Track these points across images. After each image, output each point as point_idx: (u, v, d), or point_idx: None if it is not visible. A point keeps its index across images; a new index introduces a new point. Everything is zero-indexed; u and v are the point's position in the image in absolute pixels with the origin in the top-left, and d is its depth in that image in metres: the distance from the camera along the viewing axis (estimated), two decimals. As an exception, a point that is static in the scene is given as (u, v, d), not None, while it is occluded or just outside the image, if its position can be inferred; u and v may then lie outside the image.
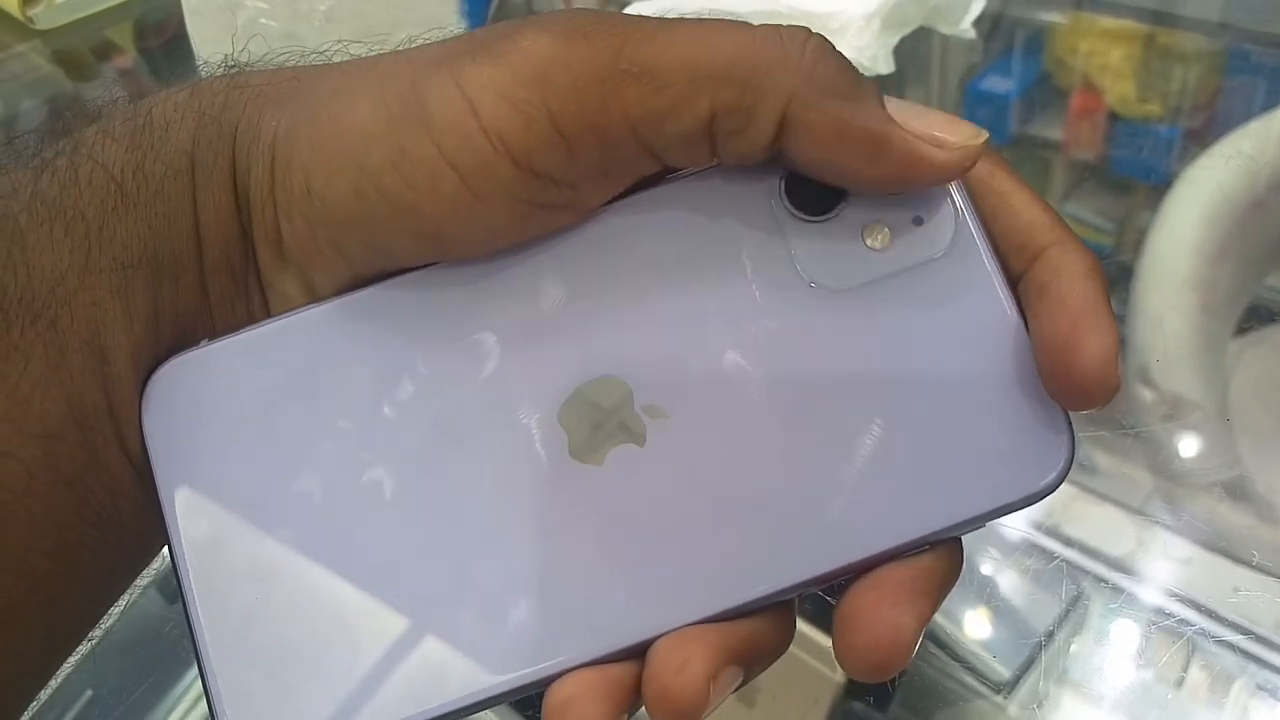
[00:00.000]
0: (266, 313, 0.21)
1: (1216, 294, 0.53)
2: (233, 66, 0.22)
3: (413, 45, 0.20)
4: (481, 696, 0.17)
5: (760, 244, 0.18)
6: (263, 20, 0.40)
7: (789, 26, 0.17)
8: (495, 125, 0.17)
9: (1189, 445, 0.50)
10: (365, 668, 0.18)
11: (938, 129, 0.17)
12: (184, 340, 0.20)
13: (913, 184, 0.18)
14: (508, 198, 0.18)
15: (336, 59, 0.21)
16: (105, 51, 0.62)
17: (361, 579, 0.18)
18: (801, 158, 0.18)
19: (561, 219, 0.19)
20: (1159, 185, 0.56)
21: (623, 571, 0.17)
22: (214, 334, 0.20)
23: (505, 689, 0.17)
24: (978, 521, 0.17)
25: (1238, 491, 0.49)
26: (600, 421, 0.18)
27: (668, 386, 0.18)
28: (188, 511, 0.19)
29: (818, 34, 0.17)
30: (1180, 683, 0.42)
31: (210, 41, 0.44)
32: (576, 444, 0.18)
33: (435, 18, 0.41)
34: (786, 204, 0.19)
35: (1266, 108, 0.57)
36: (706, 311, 0.18)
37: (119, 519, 0.19)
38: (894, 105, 0.17)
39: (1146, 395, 0.51)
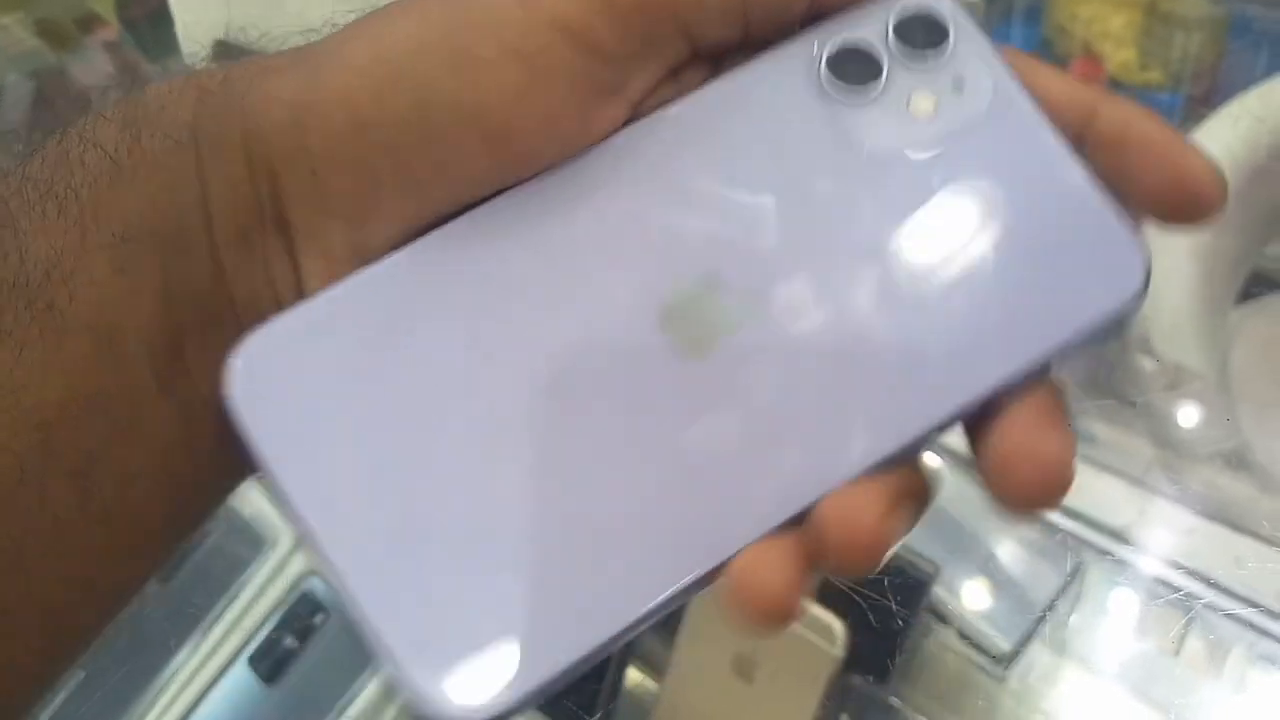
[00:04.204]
0: (294, 279, 0.20)
1: (1218, 263, 0.53)
2: (226, 55, 0.21)
3: None
4: (660, 599, 0.17)
5: (814, 124, 0.19)
6: (246, -13, 0.39)
7: None
8: (552, 8, 0.18)
9: (1190, 415, 0.49)
10: (517, 600, 0.17)
11: None
12: (202, 315, 0.19)
13: None
14: (567, 79, 0.18)
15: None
16: (88, 23, 0.61)
17: (498, 505, 0.18)
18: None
19: (611, 111, 0.19)
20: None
21: (770, 446, 0.18)
22: (234, 307, 0.19)
23: (682, 586, 0.17)
24: (1079, 341, 0.18)
25: (1238, 461, 0.48)
26: (702, 318, 0.19)
27: (757, 273, 0.19)
28: (302, 477, 0.18)
29: None
30: (1178, 653, 0.42)
31: (190, 8, 0.43)
32: (685, 343, 0.18)
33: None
34: (832, 81, 0.19)
35: (1269, 74, 0.56)
36: (776, 196, 0.19)
37: (129, 515, 0.18)
38: None
39: (1147, 365, 0.51)
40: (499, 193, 0.19)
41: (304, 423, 0.18)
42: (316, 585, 0.45)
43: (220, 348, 0.19)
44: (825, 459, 0.18)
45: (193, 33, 0.44)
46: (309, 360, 0.19)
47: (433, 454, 0.18)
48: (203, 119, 0.19)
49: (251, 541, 0.46)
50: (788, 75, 0.20)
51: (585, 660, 0.17)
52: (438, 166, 0.19)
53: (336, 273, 0.20)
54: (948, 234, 0.19)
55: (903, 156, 0.19)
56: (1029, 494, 0.17)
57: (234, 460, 0.20)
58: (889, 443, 0.18)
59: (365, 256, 0.20)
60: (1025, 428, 0.18)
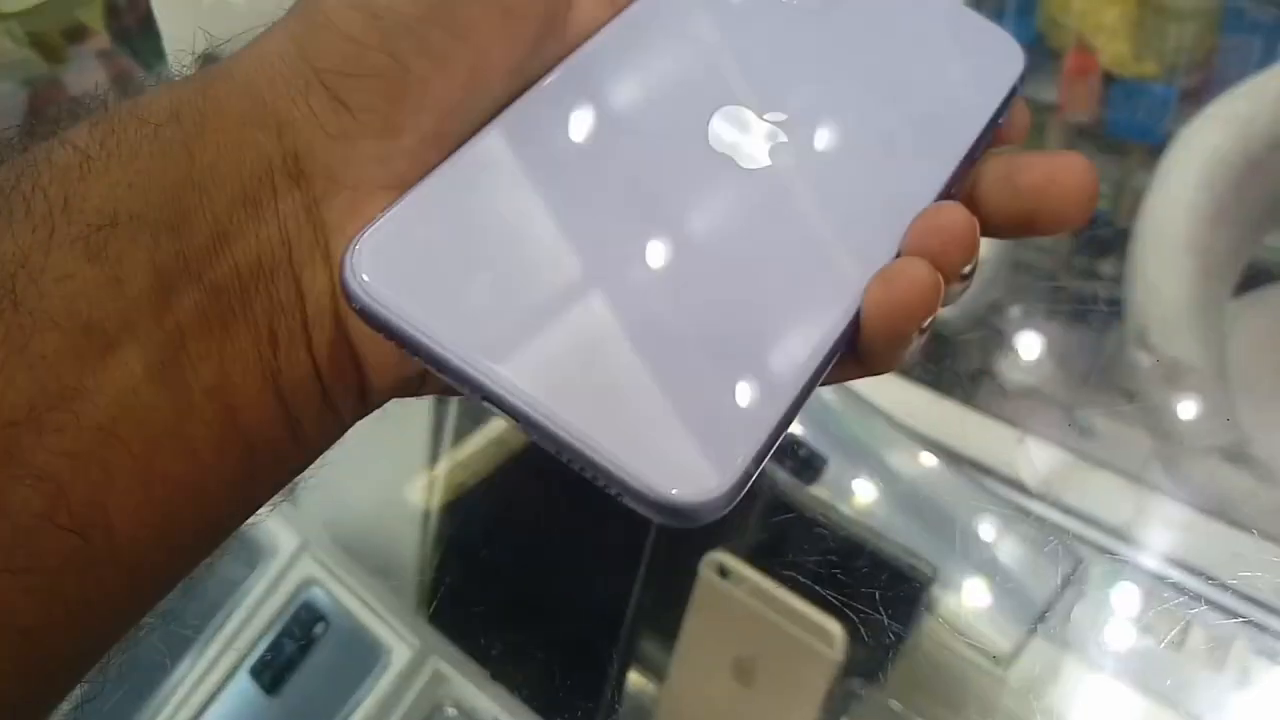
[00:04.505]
0: (312, 230, 0.19)
1: (1214, 257, 0.53)
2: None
3: None
4: (824, 352, 0.19)
5: None
6: (230, -1, 0.39)
7: None
8: None
9: (1188, 410, 0.49)
10: (709, 384, 0.19)
11: None
12: (203, 294, 0.18)
13: None
14: None
15: None
16: (78, 33, 0.61)
17: (659, 306, 0.19)
18: None
19: None
20: (1156, 146, 0.56)
21: (857, 198, 0.22)
22: (240, 277, 0.18)
23: (836, 334, 0.20)
24: (1005, 108, 0.23)
25: (1237, 455, 0.48)
26: (749, 136, 0.22)
27: (773, 101, 0.22)
28: (474, 348, 0.18)
29: None
30: (1179, 649, 0.42)
31: (177, 21, 0.43)
32: (745, 157, 0.22)
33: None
34: None
35: (1263, 65, 0.56)
36: (760, 51, 0.23)
37: (106, 520, 0.17)
38: None
39: (1145, 360, 0.51)
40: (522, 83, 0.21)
41: (449, 295, 0.19)
42: (317, 595, 0.45)
43: (225, 325, 0.18)
44: (906, 195, 0.22)
45: (179, 48, 0.44)
46: (431, 238, 0.19)
47: (582, 282, 0.19)
48: (183, 101, 0.18)
49: (251, 551, 0.46)
50: None
51: (787, 418, 0.19)
52: (455, 34, 0.19)
53: (366, 205, 0.19)
54: (882, 56, 0.24)
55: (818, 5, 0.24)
56: (1079, 194, 0.21)
57: (237, 462, 0.19)
58: (941, 175, 0.22)
59: (396, 175, 0.20)
60: (1039, 158, 0.21)
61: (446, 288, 0.19)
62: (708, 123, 0.22)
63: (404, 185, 0.20)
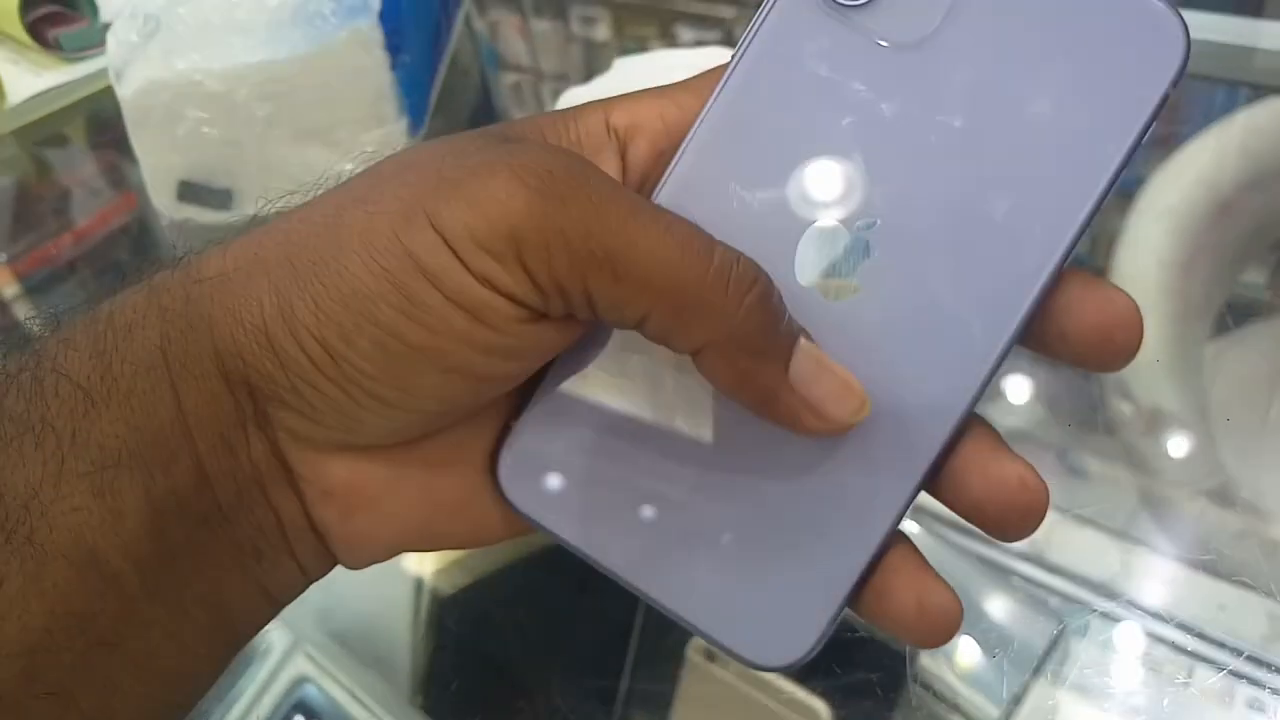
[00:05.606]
0: (283, 473, 0.21)
1: (1190, 301, 0.53)
2: (182, 257, 0.22)
3: (360, 170, 0.21)
4: (894, 516, 0.21)
5: (849, 39, 0.20)
6: (204, 130, 0.40)
7: (744, 263, 0.19)
8: (482, 271, 0.19)
9: (1171, 457, 0.49)
10: (786, 563, 0.21)
11: (827, 400, 0.20)
12: (190, 521, 0.20)
13: (795, 431, 0.21)
14: (510, 320, 0.20)
15: (274, 211, 0.22)
16: (60, 140, 0.62)
17: (741, 498, 0.21)
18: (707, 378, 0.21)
19: (570, 328, 0.21)
20: (1127, 192, 0.56)
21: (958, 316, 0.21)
22: (221, 509, 0.20)
23: (904, 502, 0.21)
24: (1157, 111, 0.20)
25: (1224, 499, 0.48)
26: (837, 254, 0.21)
27: (870, 201, 0.21)
28: (593, 538, 0.22)
29: (764, 280, 0.20)
30: (1172, 705, 0.41)
31: (153, 148, 0.44)
32: (825, 283, 0.21)
33: (374, 117, 0.41)
34: (834, 2, 0.20)
35: (1226, 110, 0.56)
36: (849, 128, 0.21)
37: (111, 717, 0.19)
38: (801, 359, 0.20)
39: (1125, 409, 0.51)
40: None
41: (575, 500, 0.22)
42: (310, 693, 0.45)
43: (211, 549, 0.20)
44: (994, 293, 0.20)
45: (157, 176, 0.45)
46: (554, 452, 0.22)
47: (678, 484, 0.22)
48: (170, 341, 0.20)
49: (243, 652, 0.46)
50: (794, 18, 0.21)
51: (864, 576, 0.21)
52: (404, 391, 0.20)
53: (326, 461, 0.21)
54: (1025, 66, 0.20)
55: (924, 36, 0.20)
56: (1010, 516, 0.20)
57: (225, 646, 0.21)
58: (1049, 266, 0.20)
59: (356, 448, 0.21)
60: (980, 456, 0.21)
61: (571, 494, 0.22)
62: (793, 258, 0.21)
63: (363, 451, 0.21)
